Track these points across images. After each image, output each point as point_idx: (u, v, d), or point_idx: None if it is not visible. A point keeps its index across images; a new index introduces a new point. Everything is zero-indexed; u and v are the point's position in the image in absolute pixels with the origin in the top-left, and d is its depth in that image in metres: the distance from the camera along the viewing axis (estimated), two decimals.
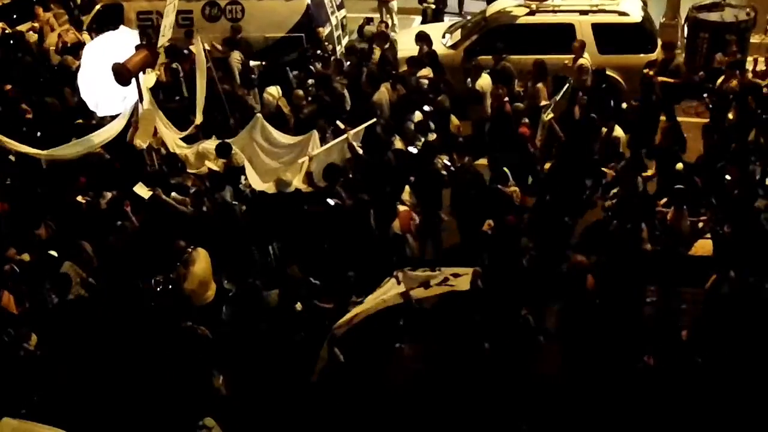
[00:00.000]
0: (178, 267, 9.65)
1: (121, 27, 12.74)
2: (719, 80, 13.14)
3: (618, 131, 11.86)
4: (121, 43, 12.16)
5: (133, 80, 11.72)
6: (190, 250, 9.62)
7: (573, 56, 13.80)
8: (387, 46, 14.93)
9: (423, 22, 18.27)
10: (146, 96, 12.20)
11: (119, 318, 9.34)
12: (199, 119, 12.54)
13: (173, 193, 10.87)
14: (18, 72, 14.84)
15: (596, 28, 14.44)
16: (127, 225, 10.38)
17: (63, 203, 11.13)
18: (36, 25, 17.06)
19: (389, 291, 8.77)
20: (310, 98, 13.33)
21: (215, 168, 11.51)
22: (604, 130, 11.90)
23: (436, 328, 9.15)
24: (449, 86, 13.64)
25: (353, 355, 8.72)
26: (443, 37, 15.80)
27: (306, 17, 16.01)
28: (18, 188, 11.51)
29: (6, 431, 7.41)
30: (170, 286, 9.71)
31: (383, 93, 13.17)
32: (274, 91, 13.67)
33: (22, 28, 17.18)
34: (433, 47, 14.68)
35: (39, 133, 12.68)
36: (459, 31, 15.79)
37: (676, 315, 8.90)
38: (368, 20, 16.36)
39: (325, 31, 15.93)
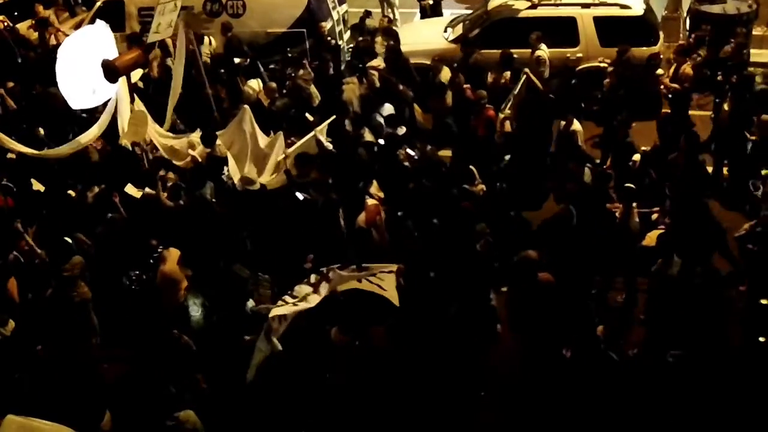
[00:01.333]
0: (152, 264, 9.74)
1: (98, 21, 12.67)
2: (671, 69, 13.16)
3: (576, 125, 11.86)
4: (97, 37, 12.08)
5: (123, 79, 11.75)
6: (161, 249, 9.68)
7: (530, 49, 13.94)
8: (361, 38, 15.17)
9: (422, 17, 18.27)
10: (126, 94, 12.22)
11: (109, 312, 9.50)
12: (168, 118, 12.50)
13: (146, 189, 10.86)
14: (19, 68, 14.85)
15: (598, 21, 14.42)
16: (116, 217, 10.40)
17: (58, 199, 11.18)
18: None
19: (320, 289, 8.95)
20: (284, 91, 13.40)
21: (198, 157, 11.56)
22: (563, 123, 11.93)
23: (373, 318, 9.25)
24: (411, 79, 13.72)
25: (290, 346, 8.74)
26: (445, 31, 15.79)
27: (307, 12, 16.01)
28: (18, 185, 11.50)
29: (11, 428, 7.40)
30: (146, 283, 9.82)
31: (351, 89, 13.20)
32: (254, 84, 13.73)
33: (22, 25, 17.18)
34: (438, 41, 14.88)
35: (41, 130, 12.66)
36: (461, 25, 15.77)
37: (597, 307, 9.01)
38: (368, 13, 16.35)
39: (327, 26, 15.93)
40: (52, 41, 16.28)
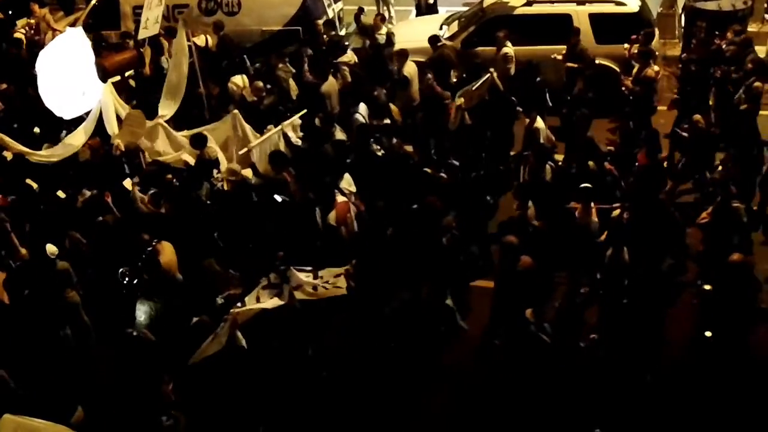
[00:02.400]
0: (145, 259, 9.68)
1: (69, 29, 12.72)
2: (634, 70, 13.17)
3: (539, 122, 11.87)
4: (74, 44, 12.14)
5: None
6: (154, 243, 9.65)
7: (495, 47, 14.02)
8: (333, 33, 15.21)
9: (418, 14, 18.26)
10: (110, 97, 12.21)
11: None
12: (166, 112, 12.45)
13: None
14: (13, 67, 14.83)
15: (593, 17, 14.42)
16: (108, 219, 10.35)
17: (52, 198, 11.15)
18: (32, 21, 17.02)
19: (283, 292, 9.02)
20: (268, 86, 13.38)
21: (189, 160, 11.56)
22: (527, 120, 11.97)
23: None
24: (387, 77, 13.73)
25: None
26: (440, 28, 15.78)
27: (303, 10, 16.01)
28: (15, 183, 11.49)
29: (8, 427, 7.40)
30: (136, 279, 9.76)
31: (332, 83, 13.16)
32: (239, 80, 13.67)
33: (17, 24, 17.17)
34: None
35: (36, 128, 12.67)
36: (456, 22, 15.78)
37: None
38: (361, 10, 16.35)
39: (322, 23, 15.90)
40: (48, 37, 16.25)
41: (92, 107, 12.15)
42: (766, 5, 16.97)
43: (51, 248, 9.42)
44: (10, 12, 17.69)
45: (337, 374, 9.05)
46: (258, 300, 8.97)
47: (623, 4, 14.53)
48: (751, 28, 15.81)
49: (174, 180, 10.96)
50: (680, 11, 16.51)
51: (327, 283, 9.22)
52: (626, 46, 13.88)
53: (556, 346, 8.33)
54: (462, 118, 12.07)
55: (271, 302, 8.92)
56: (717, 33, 14.01)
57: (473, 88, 12.35)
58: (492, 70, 12.79)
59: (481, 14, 15.31)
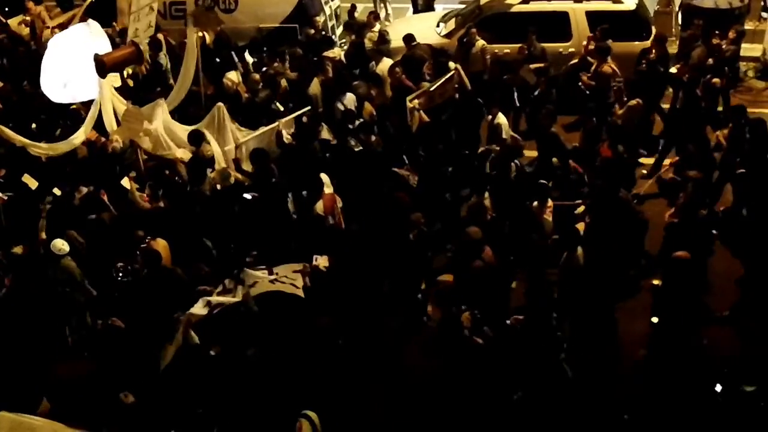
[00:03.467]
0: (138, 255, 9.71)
1: (90, 21, 12.82)
2: (593, 66, 13.23)
3: (500, 118, 11.91)
4: (89, 36, 12.32)
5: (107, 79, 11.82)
6: (148, 239, 9.68)
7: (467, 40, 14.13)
8: (315, 33, 15.28)
9: (415, 12, 18.26)
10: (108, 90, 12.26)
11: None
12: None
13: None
14: (11, 64, 14.83)
15: (590, 15, 14.43)
16: (104, 217, 10.34)
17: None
18: (28, 18, 16.99)
19: (236, 292, 9.02)
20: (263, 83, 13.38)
21: (184, 157, 11.58)
22: (489, 117, 12.04)
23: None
24: (367, 74, 13.78)
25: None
26: (437, 26, 15.78)
27: (299, 8, 16.01)
28: (12, 180, 11.48)
29: (3, 425, 7.40)
30: (132, 274, 9.77)
31: (316, 85, 13.14)
32: (233, 76, 13.67)
33: (13, 21, 17.13)
34: (430, 36, 14.91)
35: (34, 124, 12.69)
36: (453, 20, 15.77)
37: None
38: (354, 7, 16.35)
39: (320, 20, 15.91)
40: (45, 34, 16.21)
41: (74, 99, 12.27)
42: (762, 3, 17.00)
43: (59, 245, 9.41)
44: (6, 9, 17.65)
45: (296, 370, 8.87)
46: (209, 304, 8.82)
47: (620, 2, 14.55)
48: (748, 26, 15.82)
49: (175, 177, 10.96)
50: (677, 9, 16.51)
51: (285, 278, 9.19)
52: (584, 42, 13.94)
53: (492, 350, 8.29)
54: (419, 118, 12.00)
55: (223, 299, 8.89)
56: (717, 32, 14.04)
57: (431, 88, 12.31)
58: (458, 66, 12.76)
59: (478, 12, 15.32)
